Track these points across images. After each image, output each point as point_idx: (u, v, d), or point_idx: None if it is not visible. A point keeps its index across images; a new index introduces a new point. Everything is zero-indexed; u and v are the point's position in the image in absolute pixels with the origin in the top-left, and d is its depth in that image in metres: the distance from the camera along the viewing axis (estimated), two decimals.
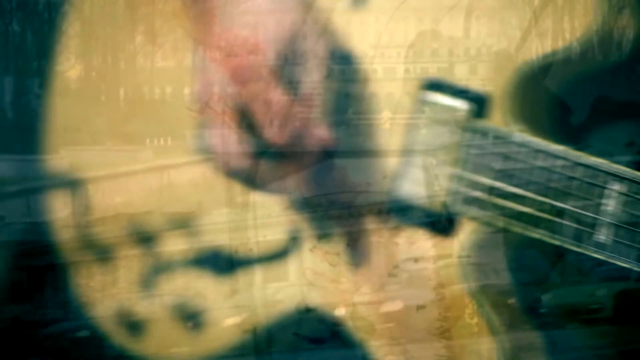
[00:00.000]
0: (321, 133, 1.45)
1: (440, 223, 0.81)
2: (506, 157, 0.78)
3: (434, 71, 1.18)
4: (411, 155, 0.81)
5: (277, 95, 1.41)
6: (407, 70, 1.38)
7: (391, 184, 0.82)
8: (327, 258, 3.37)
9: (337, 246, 3.60)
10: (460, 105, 0.83)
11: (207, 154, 1.60)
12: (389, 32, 1.55)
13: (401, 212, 0.80)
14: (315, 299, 4.01)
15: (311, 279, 3.22)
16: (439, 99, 0.83)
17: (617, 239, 0.80)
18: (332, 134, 1.51)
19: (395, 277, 5.13)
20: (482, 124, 0.78)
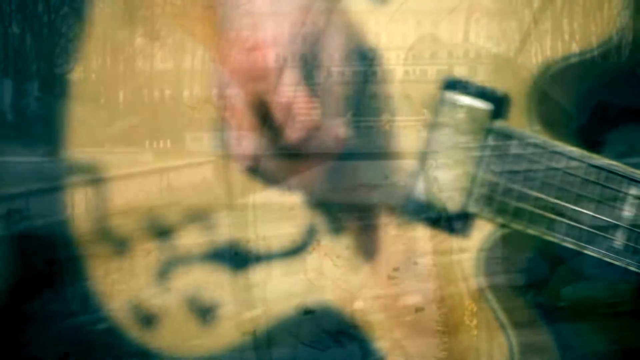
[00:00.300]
0: (333, 134, 1.45)
1: (454, 222, 0.80)
2: (522, 159, 0.78)
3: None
4: (427, 154, 0.80)
5: (295, 96, 1.41)
6: (406, 72, 1.38)
7: (406, 183, 0.82)
8: (329, 258, 3.36)
9: (337, 247, 3.60)
10: (480, 105, 0.82)
11: (226, 153, 1.60)
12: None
13: (415, 211, 0.80)
14: (317, 298, 4.00)
15: (313, 278, 3.21)
16: (458, 99, 0.82)
17: (633, 244, 0.79)
18: (342, 135, 1.50)
19: (395, 279, 5.11)
20: (500, 124, 0.78)
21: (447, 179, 0.81)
